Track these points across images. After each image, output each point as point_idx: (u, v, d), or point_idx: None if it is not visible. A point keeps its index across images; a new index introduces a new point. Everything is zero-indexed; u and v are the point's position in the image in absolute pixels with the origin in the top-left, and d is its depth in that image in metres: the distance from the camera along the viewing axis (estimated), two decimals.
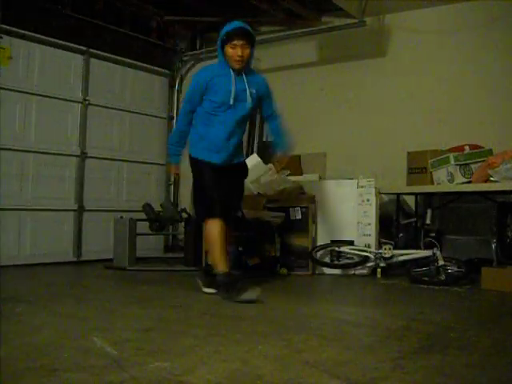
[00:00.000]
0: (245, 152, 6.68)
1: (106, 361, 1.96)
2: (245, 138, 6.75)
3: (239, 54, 3.37)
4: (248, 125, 6.82)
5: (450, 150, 4.80)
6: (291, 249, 4.75)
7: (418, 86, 5.90)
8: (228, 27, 3.41)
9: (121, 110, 6.03)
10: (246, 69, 3.51)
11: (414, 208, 5.32)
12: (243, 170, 3.78)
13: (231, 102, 3.44)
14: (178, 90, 6.62)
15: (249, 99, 3.50)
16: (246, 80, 3.50)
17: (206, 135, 3.51)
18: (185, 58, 6.65)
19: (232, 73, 3.46)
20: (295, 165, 6.38)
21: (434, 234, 4.59)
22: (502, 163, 4.30)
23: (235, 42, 3.37)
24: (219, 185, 3.46)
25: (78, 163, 5.60)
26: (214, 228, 3.42)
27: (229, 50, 3.39)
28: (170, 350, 2.12)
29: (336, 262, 4.67)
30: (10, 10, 4.94)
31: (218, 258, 3.41)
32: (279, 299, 3.51)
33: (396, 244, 4.73)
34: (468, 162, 4.60)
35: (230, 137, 3.52)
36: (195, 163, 3.55)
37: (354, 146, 6.24)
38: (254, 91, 3.54)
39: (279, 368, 1.92)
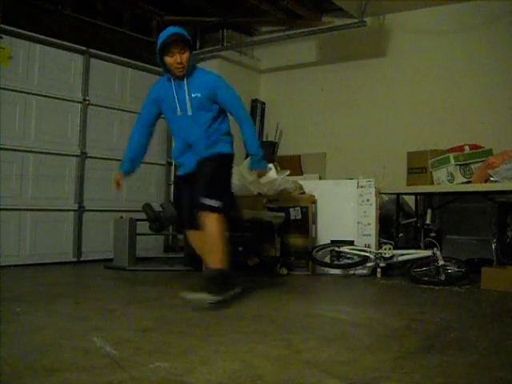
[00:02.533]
0: (245, 152, 6.74)
1: (106, 361, 1.96)
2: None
3: (178, 60, 3.29)
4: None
5: (450, 150, 4.81)
6: (291, 249, 4.75)
7: (418, 86, 5.90)
8: (162, 36, 3.32)
9: (121, 110, 6.03)
10: (188, 73, 3.38)
11: (414, 208, 5.32)
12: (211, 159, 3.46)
13: (178, 112, 3.41)
14: None
15: (188, 105, 3.39)
16: (186, 86, 3.39)
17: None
18: None
19: (173, 83, 3.40)
20: (295, 165, 6.39)
21: (434, 234, 4.59)
22: (502, 163, 4.30)
23: (172, 50, 3.28)
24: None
25: (78, 163, 5.60)
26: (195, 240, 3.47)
27: (168, 60, 3.31)
28: (170, 350, 2.12)
29: (336, 262, 4.67)
30: (11, 9, 4.94)
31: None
32: (279, 299, 3.51)
33: (396, 244, 4.73)
34: (468, 161, 4.60)
35: (190, 144, 3.43)
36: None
37: (354, 146, 6.25)
38: (200, 94, 3.38)
39: (279, 368, 1.92)
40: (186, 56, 3.31)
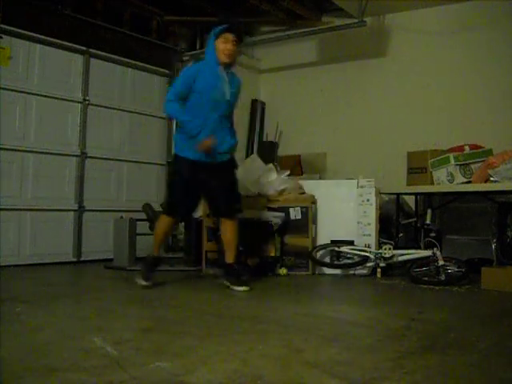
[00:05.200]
0: (245, 152, 6.74)
1: (106, 361, 1.96)
2: (245, 138, 6.83)
3: (229, 47, 3.60)
4: (248, 125, 6.87)
5: (450, 150, 4.80)
6: (291, 249, 4.75)
7: (418, 86, 5.90)
8: (224, 24, 3.66)
9: (121, 109, 6.03)
10: (230, 68, 3.73)
11: (414, 208, 5.32)
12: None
13: (217, 94, 3.65)
14: None
15: (228, 94, 3.70)
16: (227, 77, 3.70)
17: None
18: (185, 58, 6.65)
19: (219, 67, 3.67)
20: (295, 165, 6.39)
21: (434, 234, 4.59)
22: (502, 163, 4.30)
23: (228, 37, 3.60)
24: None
25: (78, 163, 5.59)
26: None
27: (220, 45, 3.61)
28: (170, 350, 2.12)
29: (336, 262, 4.67)
30: (11, 9, 4.94)
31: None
32: (279, 299, 3.51)
33: (396, 244, 4.73)
34: (468, 161, 4.60)
35: (213, 131, 3.66)
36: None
37: (354, 146, 6.24)
38: (234, 91, 3.75)
39: (279, 368, 1.92)
40: (236, 48, 3.66)
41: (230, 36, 3.60)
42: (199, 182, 3.70)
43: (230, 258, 3.83)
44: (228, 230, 3.82)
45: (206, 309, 3.14)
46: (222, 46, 3.60)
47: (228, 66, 3.71)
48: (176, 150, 3.85)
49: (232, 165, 3.82)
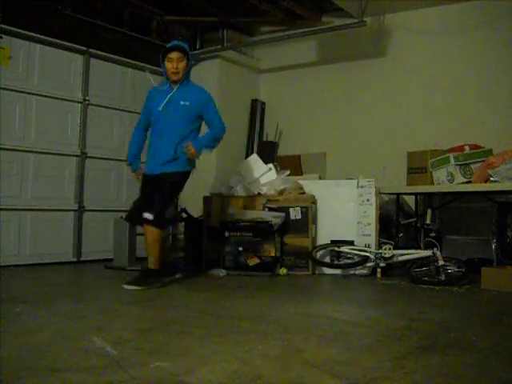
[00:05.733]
0: (245, 152, 6.74)
1: (106, 361, 1.96)
2: (245, 138, 6.83)
3: (175, 66, 3.85)
4: (248, 125, 6.87)
5: (450, 150, 4.80)
6: (291, 249, 4.75)
7: (418, 86, 5.90)
8: (167, 45, 3.97)
9: (121, 110, 6.03)
10: (182, 81, 3.94)
11: (414, 208, 5.32)
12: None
13: (160, 108, 3.92)
14: None
15: (176, 109, 3.91)
16: (177, 91, 3.93)
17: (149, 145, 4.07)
18: None
19: (167, 86, 3.97)
20: (295, 165, 6.39)
21: (434, 234, 4.59)
22: (502, 163, 4.30)
23: (171, 56, 3.86)
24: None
25: (78, 163, 5.59)
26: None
27: (167, 64, 3.89)
28: (170, 350, 2.12)
29: (336, 262, 4.67)
30: (11, 9, 4.94)
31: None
32: (279, 299, 3.51)
33: (396, 244, 4.73)
34: (468, 161, 4.60)
35: (158, 147, 3.95)
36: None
37: (354, 146, 6.24)
38: (188, 103, 3.91)
39: (279, 368, 1.92)
40: (182, 64, 3.88)
41: (173, 55, 3.86)
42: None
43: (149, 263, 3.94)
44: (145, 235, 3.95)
45: (206, 309, 3.14)
46: (169, 65, 3.88)
47: (181, 82, 3.94)
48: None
49: (171, 177, 3.90)
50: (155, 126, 4.00)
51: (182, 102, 3.90)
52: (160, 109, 3.92)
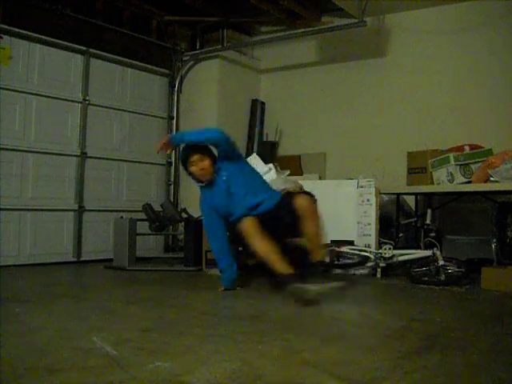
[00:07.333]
0: (245, 152, 6.74)
1: (106, 361, 1.96)
2: (245, 138, 6.83)
3: (200, 167, 3.61)
4: (248, 125, 6.88)
5: (450, 150, 4.80)
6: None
7: (418, 86, 5.90)
8: (182, 154, 3.74)
9: (121, 109, 6.03)
10: (214, 174, 3.67)
11: (414, 208, 5.32)
12: None
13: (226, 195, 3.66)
14: (177, 90, 6.62)
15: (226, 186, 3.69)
16: (218, 182, 3.67)
17: None
18: (185, 58, 6.65)
19: (208, 187, 3.70)
20: (295, 165, 6.39)
21: (433, 234, 4.58)
22: (502, 163, 4.29)
23: (192, 160, 3.61)
24: None
25: (78, 163, 5.59)
26: None
27: (191, 169, 3.65)
28: (170, 350, 2.12)
29: (336, 262, 4.66)
30: (10, 9, 4.94)
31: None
32: (279, 299, 3.50)
33: (396, 244, 4.73)
34: (468, 162, 4.60)
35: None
36: None
37: (354, 146, 6.24)
38: (225, 174, 3.69)
39: (279, 368, 1.92)
40: (206, 163, 3.62)
41: (193, 158, 3.62)
42: None
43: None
44: None
45: (206, 309, 3.14)
46: (193, 169, 3.65)
47: (213, 174, 3.68)
48: None
49: None
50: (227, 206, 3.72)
51: (224, 178, 3.69)
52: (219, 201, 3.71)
